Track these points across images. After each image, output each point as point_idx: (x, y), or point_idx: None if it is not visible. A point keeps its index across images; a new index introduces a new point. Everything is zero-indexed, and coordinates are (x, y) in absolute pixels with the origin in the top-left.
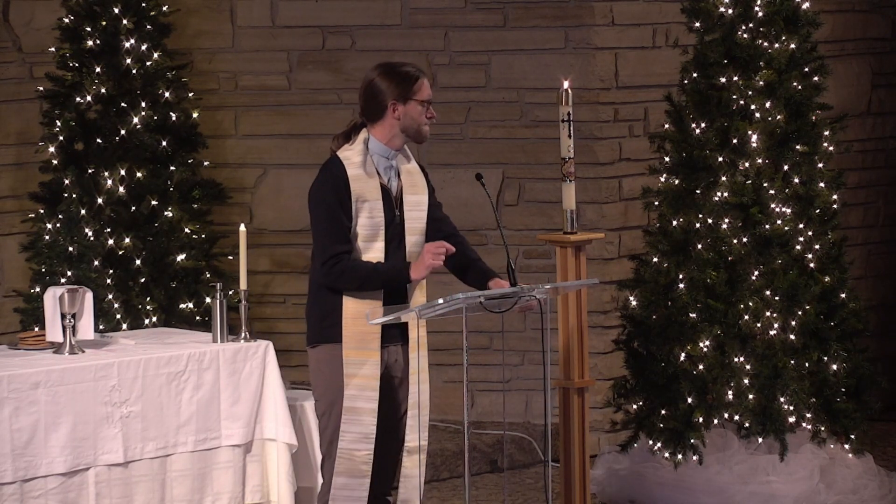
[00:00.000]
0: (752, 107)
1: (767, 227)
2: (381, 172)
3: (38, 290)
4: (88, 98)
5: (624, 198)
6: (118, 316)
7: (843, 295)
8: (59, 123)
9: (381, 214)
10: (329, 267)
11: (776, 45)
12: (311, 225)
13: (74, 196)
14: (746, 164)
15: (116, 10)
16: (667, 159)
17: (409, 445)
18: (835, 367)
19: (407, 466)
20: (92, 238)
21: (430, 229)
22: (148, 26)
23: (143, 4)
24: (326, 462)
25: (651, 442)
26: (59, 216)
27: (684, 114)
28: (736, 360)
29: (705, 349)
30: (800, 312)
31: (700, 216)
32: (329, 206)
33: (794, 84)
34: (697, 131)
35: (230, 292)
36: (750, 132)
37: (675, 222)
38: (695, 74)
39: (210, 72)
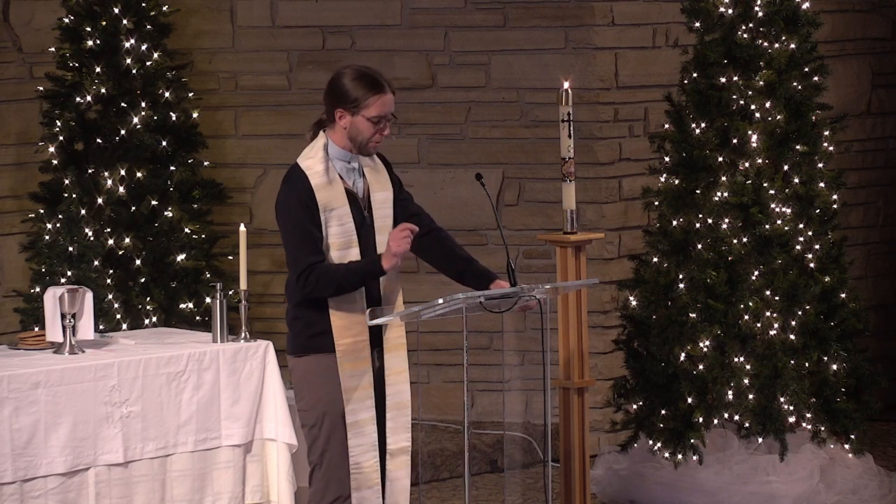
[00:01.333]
0: (752, 107)
1: (767, 227)
2: (345, 176)
3: (38, 290)
4: (88, 98)
5: (624, 198)
6: (118, 316)
7: (843, 295)
8: (59, 123)
9: (351, 220)
10: (304, 279)
11: (776, 45)
12: (281, 239)
13: (74, 196)
14: (746, 164)
15: (116, 10)
16: (667, 159)
17: (391, 448)
18: (835, 367)
19: (391, 469)
20: (92, 238)
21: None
22: (148, 26)
23: (143, 4)
24: (317, 471)
25: (651, 442)
26: (59, 216)
27: (684, 114)
28: (736, 360)
29: (705, 349)
30: (800, 312)
31: (700, 216)
32: (297, 218)
33: (794, 84)
34: (697, 131)
35: (230, 292)
36: (750, 132)
37: (675, 222)
38: (695, 74)
39: (210, 72)
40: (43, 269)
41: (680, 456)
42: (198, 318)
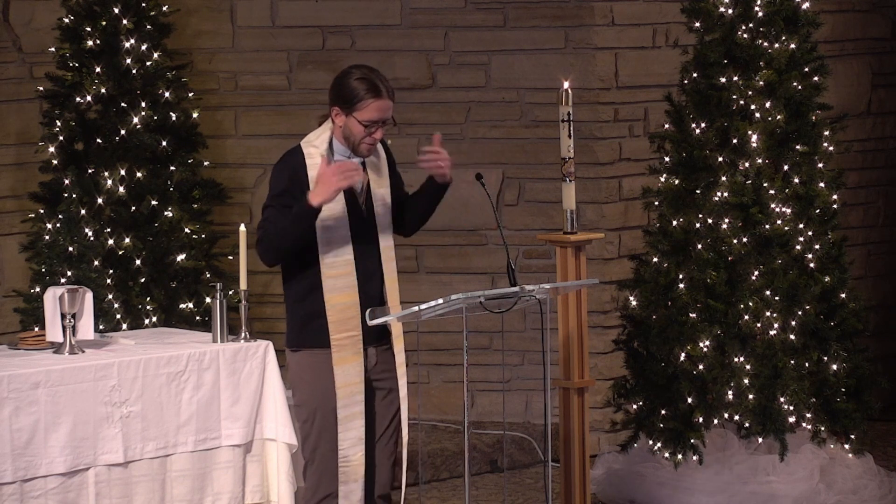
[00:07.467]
0: (752, 107)
1: (767, 227)
2: None
3: (38, 290)
4: (88, 98)
5: (624, 198)
6: (118, 316)
7: (843, 295)
8: (59, 123)
9: (344, 214)
10: (257, 239)
11: (776, 45)
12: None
13: (74, 196)
14: (746, 164)
15: (116, 10)
16: (667, 159)
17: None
18: (835, 367)
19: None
20: (92, 238)
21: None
22: (148, 26)
23: (143, 4)
24: (310, 467)
25: (651, 442)
26: (59, 216)
27: (684, 114)
28: (736, 360)
29: (705, 349)
30: (800, 312)
31: (700, 216)
32: (280, 188)
33: (794, 84)
34: (697, 131)
35: (230, 292)
36: (750, 132)
37: (675, 222)
38: (695, 74)
39: (210, 72)
40: (43, 269)
41: (680, 456)
42: (198, 318)
